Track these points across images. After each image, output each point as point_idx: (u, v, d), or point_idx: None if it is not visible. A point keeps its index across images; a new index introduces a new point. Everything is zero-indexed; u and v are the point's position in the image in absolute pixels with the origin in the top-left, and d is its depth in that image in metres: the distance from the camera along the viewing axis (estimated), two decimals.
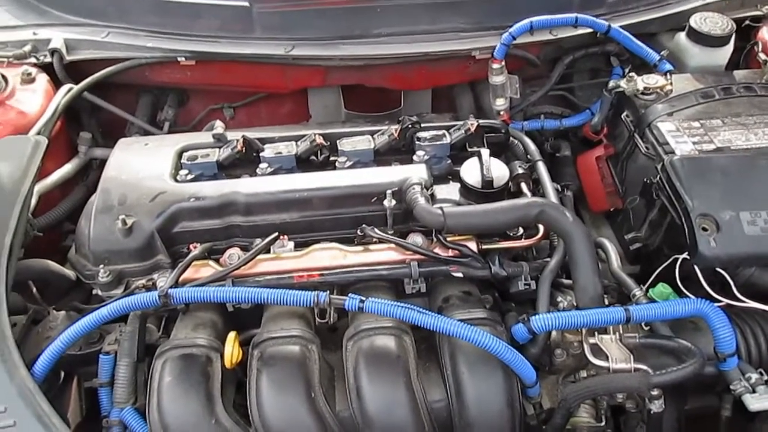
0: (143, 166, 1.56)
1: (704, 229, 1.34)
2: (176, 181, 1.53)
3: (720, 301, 1.33)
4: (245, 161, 1.61)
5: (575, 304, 1.39)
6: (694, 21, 1.81)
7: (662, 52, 1.75)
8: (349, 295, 1.27)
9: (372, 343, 1.27)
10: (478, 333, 1.20)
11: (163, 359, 1.27)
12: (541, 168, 1.62)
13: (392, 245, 1.42)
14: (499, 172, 1.51)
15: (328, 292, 1.26)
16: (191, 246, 1.43)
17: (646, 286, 1.48)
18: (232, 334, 1.27)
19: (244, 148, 1.57)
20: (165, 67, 1.82)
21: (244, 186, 1.49)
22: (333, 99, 2.01)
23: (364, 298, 1.26)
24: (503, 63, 1.77)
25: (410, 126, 1.60)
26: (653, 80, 1.67)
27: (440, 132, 1.62)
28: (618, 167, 1.78)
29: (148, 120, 2.02)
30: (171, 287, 1.31)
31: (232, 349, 1.24)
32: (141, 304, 1.28)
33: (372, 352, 1.26)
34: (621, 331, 1.36)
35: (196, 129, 2.10)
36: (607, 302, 1.40)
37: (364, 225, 1.45)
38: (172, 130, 2.02)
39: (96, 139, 1.97)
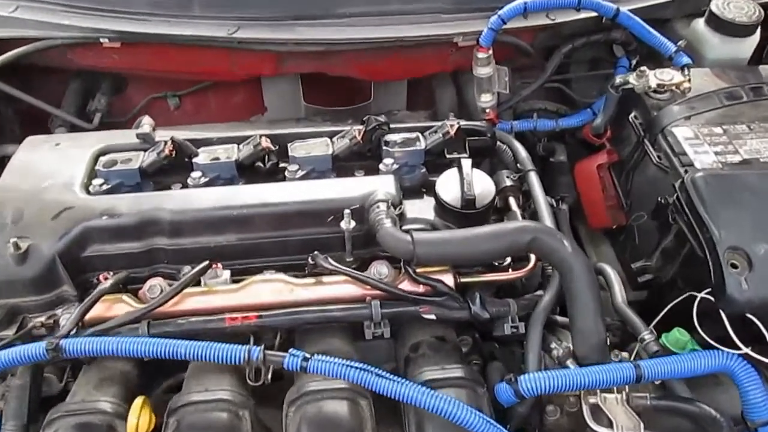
0: (49, 173, 1.28)
1: (734, 266, 1.09)
2: (88, 192, 1.25)
3: (749, 354, 1.08)
4: (177, 168, 1.33)
5: (572, 350, 1.14)
6: (716, 5, 1.55)
7: (679, 42, 1.48)
8: (290, 351, 1.00)
9: (319, 410, 1.01)
10: (451, 404, 0.94)
11: (53, 429, 1.00)
12: (534, 180, 1.35)
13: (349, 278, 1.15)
14: (483, 187, 1.24)
15: (261, 348, 1.00)
16: (101, 276, 1.16)
17: (653, 323, 1.23)
18: (138, 402, 1.00)
19: (173, 152, 1.29)
20: (87, 49, 1.53)
21: (171, 201, 1.22)
22: (291, 90, 1.73)
23: (308, 355, 0.99)
24: (490, 52, 1.49)
25: (376, 127, 1.32)
26: (668, 76, 1.41)
27: (413, 135, 1.35)
28: (623, 177, 1.52)
29: (77, 111, 1.72)
30: (70, 332, 1.05)
31: (137, 421, 0.97)
32: (24, 358, 1.01)
33: (319, 422, 1.00)
34: (628, 390, 1.10)
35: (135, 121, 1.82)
36: (609, 342, 1.16)
37: (316, 252, 1.18)
38: (105, 123, 1.73)
39: (14, 131, 1.68)
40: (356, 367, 0.97)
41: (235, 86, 1.80)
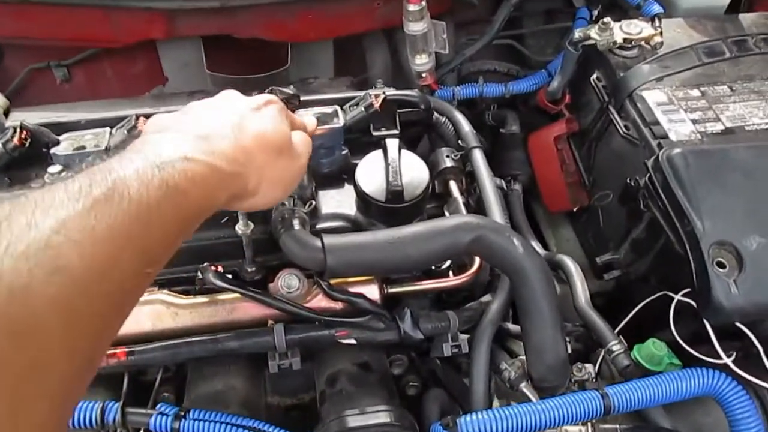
0: None
1: (720, 266, 0.88)
2: None
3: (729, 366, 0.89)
4: (36, 159, 1.06)
5: (527, 371, 0.93)
6: None
7: None
8: (158, 407, 0.77)
9: None
10: None
11: None
12: (479, 159, 1.12)
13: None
14: (414, 173, 1.00)
15: (119, 405, 0.76)
16: None
17: (620, 326, 1.03)
18: None
19: (25, 142, 1.02)
20: None
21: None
22: (192, 55, 1.45)
23: (183, 411, 0.76)
24: (423, 3, 1.23)
25: (284, 101, 1.06)
26: (636, 29, 1.17)
27: (330, 109, 1.09)
28: (584, 150, 1.29)
29: None
30: None
31: None
32: None
33: None
34: (594, 420, 0.90)
35: (17, 97, 1.54)
36: (569, 349, 0.95)
37: (205, 263, 0.94)
38: None
39: None
40: (244, 427, 0.75)
41: (132, 53, 1.51)
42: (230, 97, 0.75)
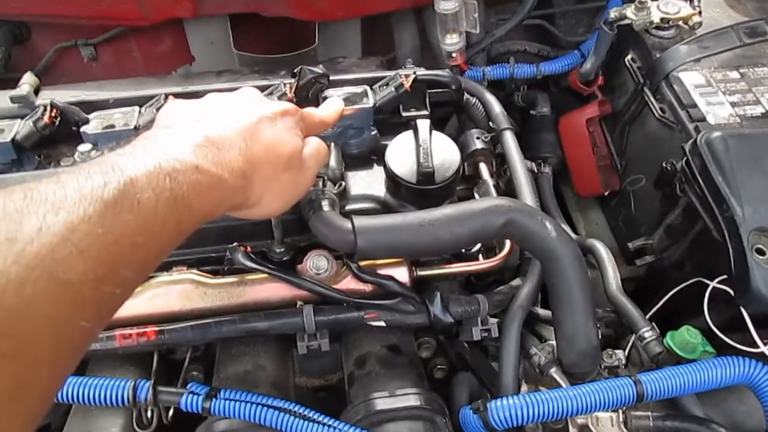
0: None
1: (760, 252, 0.86)
2: None
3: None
4: (65, 137, 1.06)
5: (557, 357, 0.92)
6: None
7: None
8: (189, 386, 0.77)
9: None
10: None
11: None
12: (510, 140, 1.10)
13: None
14: (445, 155, 0.99)
15: (151, 384, 0.76)
16: None
17: (652, 311, 1.02)
18: None
19: (55, 120, 1.02)
20: None
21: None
22: (219, 34, 1.44)
23: (215, 389, 0.76)
24: None
25: (312, 81, 1.05)
26: (674, 8, 1.14)
27: (359, 89, 1.08)
28: (617, 133, 1.26)
29: None
30: None
31: None
32: None
33: None
34: (626, 407, 0.89)
35: (45, 75, 1.54)
36: (600, 335, 0.94)
37: (235, 243, 0.93)
38: (4, 79, 1.44)
39: None
40: (275, 407, 0.74)
41: (159, 32, 1.51)
42: (250, 97, 0.73)
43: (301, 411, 0.75)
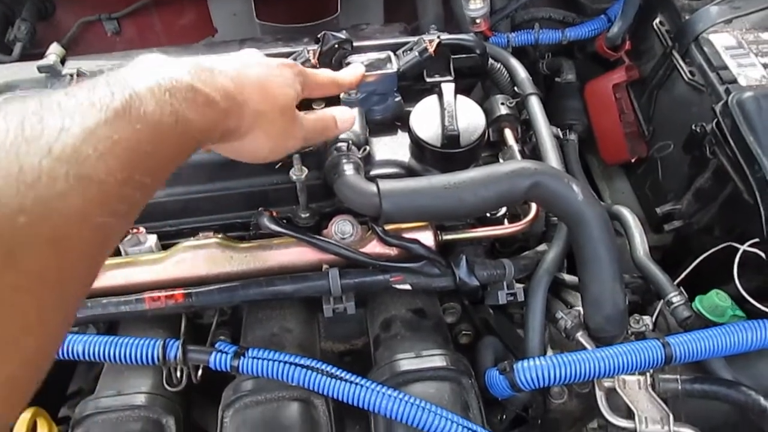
0: None
1: None
2: None
3: None
4: None
5: (583, 320, 0.91)
6: None
7: None
8: (217, 344, 0.78)
9: (262, 417, 0.79)
10: (425, 414, 0.72)
11: None
12: (535, 106, 1.09)
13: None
14: (470, 119, 0.98)
15: (180, 342, 0.77)
16: None
17: (680, 278, 1.00)
18: (26, 415, 0.78)
19: None
20: None
21: None
22: (241, 4, 1.44)
23: (241, 349, 0.76)
24: None
25: (336, 46, 1.04)
26: None
27: (383, 55, 1.07)
28: (644, 99, 1.24)
29: None
30: None
31: None
32: None
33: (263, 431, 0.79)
34: (654, 371, 0.88)
35: (69, 50, 1.55)
36: (627, 301, 0.93)
37: (260, 208, 0.94)
38: (29, 54, 1.45)
39: None
40: (302, 366, 0.75)
41: (181, 5, 1.52)
42: (249, 51, 0.75)
43: (328, 369, 0.76)
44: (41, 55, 1.44)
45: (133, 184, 0.46)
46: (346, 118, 0.87)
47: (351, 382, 0.74)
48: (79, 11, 1.54)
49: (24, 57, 1.44)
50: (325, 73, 0.86)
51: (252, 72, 0.69)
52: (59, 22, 1.56)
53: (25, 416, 0.77)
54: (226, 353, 0.77)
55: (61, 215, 0.40)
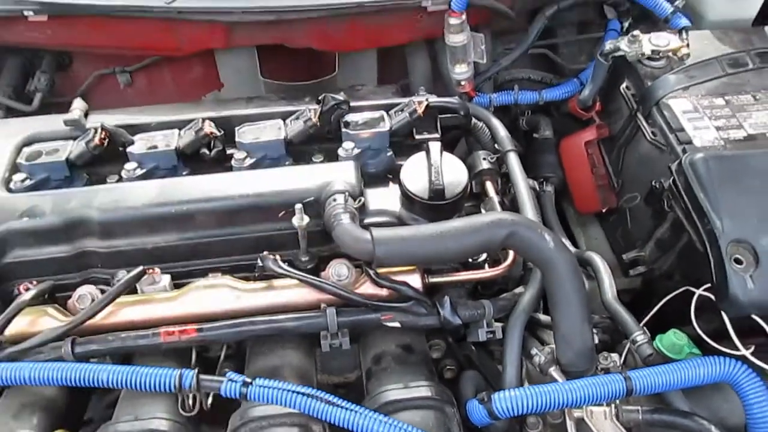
0: None
1: (738, 262, 0.96)
2: (9, 189, 1.11)
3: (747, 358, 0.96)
4: (112, 157, 1.18)
5: (556, 357, 1.01)
6: None
7: (676, 2, 1.32)
8: (228, 375, 0.87)
9: None
10: None
11: None
12: (513, 161, 1.21)
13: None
14: (454, 174, 1.10)
15: (194, 373, 0.86)
16: (22, 286, 1.02)
17: (646, 319, 1.11)
18: None
19: (104, 141, 1.14)
20: (11, 23, 1.36)
21: (100, 197, 1.07)
22: (247, 63, 1.57)
23: (249, 380, 0.86)
24: (464, 17, 1.34)
25: (335, 106, 1.17)
26: (664, 41, 1.26)
27: (377, 114, 1.20)
28: (613, 155, 1.37)
29: (14, 91, 1.56)
30: None
31: None
32: None
33: None
34: (618, 402, 0.98)
35: (84, 99, 1.66)
36: (597, 340, 1.03)
37: (265, 252, 1.04)
38: (48, 104, 1.57)
39: None
40: (303, 394, 0.84)
41: (190, 61, 1.64)
42: None
43: (327, 397, 0.85)
44: (59, 105, 1.57)
45: None
46: None
47: (347, 409, 0.83)
48: (95, 64, 1.65)
49: (43, 106, 1.55)
50: None
51: None
52: (76, 73, 1.67)
53: None
54: (236, 381, 0.86)
55: None
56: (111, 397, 1.05)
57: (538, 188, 1.35)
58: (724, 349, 0.98)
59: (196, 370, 0.87)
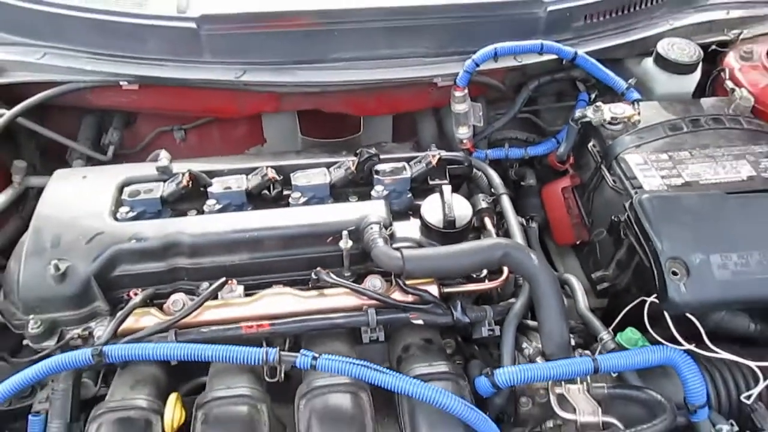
0: (80, 203, 1.45)
1: (674, 273, 1.28)
2: (116, 219, 1.42)
3: (690, 349, 1.28)
4: (191, 196, 1.50)
5: (541, 349, 1.33)
6: (662, 47, 1.76)
7: (629, 81, 1.69)
8: (302, 351, 1.18)
9: (326, 403, 1.19)
10: (439, 393, 1.12)
11: (97, 423, 1.16)
12: (506, 202, 1.55)
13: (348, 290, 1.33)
14: (462, 209, 1.43)
15: (278, 349, 1.17)
16: (131, 293, 1.33)
17: (612, 325, 1.43)
18: (173, 397, 1.17)
19: (190, 183, 1.47)
20: (107, 90, 1.70)
21: (190, 225, 1.39)
22: (288, 124, 1.91)
23: (317, 355, 1.17)
24: (466, 91, 1.70)
25: (368, 158, 1.51)
26: (620, 110, 1.61)
27: (400, 164, 1.54)
28: (584, 198, 1.72)
29: (92, 143, 1.89)
30: (107, 342, 1.22)
31: (172, 414, 1.14)
32: (72, 363, 1.17)
33: (326, 413, 1.18)
34: (589, 381, 1.29)
35: (145, 152, 1.99)
36: (573, 342, 1.35)
37: (318, 268, 1.36)
38: (118, 153, 1.89)
39: (34, 165, 1.84)
40: (358, 364, 1.15)
41: (237, 120, 1.97)
42: None
43: (375, 367, 1.15)
44: (126, 155, 1.88)
45: None
46: None
47: (392, 375, 1.14)
48: (156, 122, 1.97)
49: (115, 157, 1.88)
50: None
51: None
52: (139, 130, 1.99)
53: (173, 398, 1.16)
54: (307, 356, 1.16)
55: None
56: (193, 384, 1.35)
57: (525, 224, 1.68)
58: (671, 346, 1.30)
59: (278, 348, 1.17)
